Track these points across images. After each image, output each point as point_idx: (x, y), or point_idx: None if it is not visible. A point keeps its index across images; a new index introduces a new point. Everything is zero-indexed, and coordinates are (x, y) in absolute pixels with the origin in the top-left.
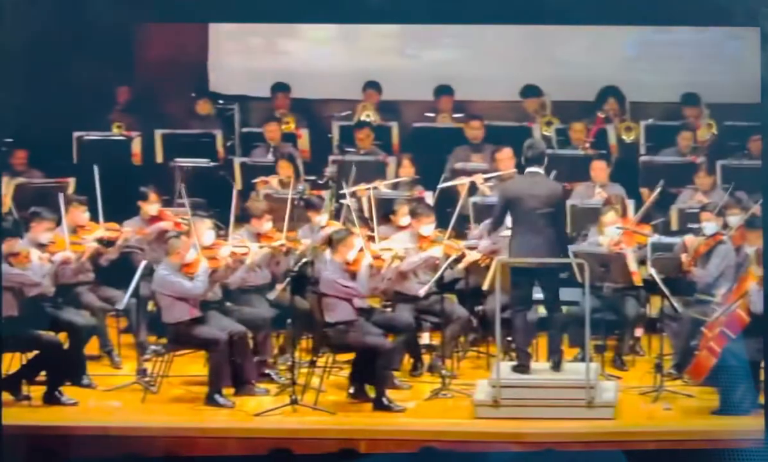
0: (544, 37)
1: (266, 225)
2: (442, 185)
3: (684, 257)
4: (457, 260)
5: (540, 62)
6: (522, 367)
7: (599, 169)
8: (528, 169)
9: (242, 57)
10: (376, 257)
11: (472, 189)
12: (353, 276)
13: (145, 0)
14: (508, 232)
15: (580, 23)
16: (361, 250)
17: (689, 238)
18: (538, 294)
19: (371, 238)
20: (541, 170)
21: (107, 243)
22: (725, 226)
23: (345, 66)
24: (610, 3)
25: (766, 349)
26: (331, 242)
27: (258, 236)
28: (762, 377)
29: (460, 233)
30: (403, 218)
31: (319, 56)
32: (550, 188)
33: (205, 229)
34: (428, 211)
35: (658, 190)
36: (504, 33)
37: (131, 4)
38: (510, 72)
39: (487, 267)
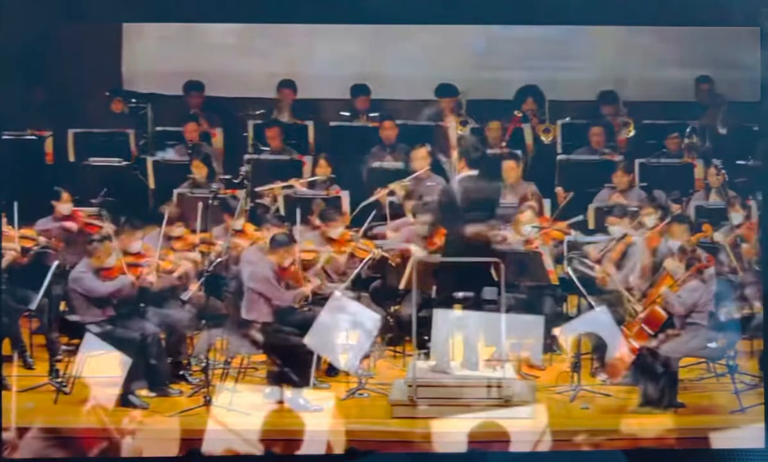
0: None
1: (176, 231)
2: (364, 203)
3: (592, 251)
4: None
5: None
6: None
7: (509, 168)
8: (463, 173)
9: (155, 55)
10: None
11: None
12: (278, 279)
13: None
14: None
15: (575, 23)
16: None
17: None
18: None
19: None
20: (475, 172)
21: (24, 250)
22: (640, 225)
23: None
24: (608, 2)
25: (766, 350)
26: (272, 243)
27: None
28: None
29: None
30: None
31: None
32: (487, 188)
33: (133, 239)
34: (336, 215)
35: (571, 194)
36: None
37: (44, 3)
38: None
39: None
